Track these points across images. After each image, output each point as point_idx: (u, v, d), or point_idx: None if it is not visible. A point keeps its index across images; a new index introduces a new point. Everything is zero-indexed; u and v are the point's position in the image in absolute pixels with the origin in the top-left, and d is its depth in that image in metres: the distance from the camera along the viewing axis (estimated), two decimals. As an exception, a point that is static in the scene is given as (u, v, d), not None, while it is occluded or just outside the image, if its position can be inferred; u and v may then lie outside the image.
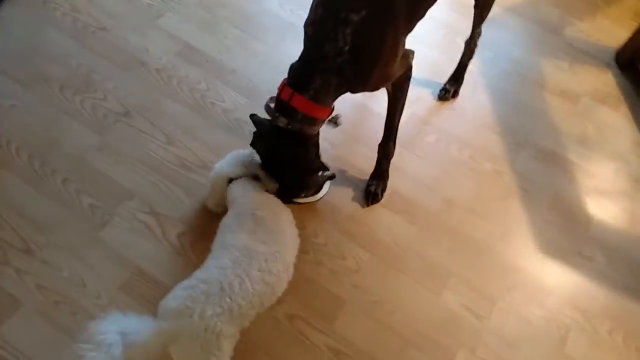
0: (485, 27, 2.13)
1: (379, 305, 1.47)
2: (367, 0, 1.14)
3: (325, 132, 1.76)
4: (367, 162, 1.67)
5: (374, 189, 1.62)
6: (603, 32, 2.22)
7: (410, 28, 1.30)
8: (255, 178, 1.36)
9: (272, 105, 1.30)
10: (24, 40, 1.81)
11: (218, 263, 1.11)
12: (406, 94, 1.46)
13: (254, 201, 1.27)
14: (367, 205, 1.63)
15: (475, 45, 1.81)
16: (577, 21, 2.25)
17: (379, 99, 1.75)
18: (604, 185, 1.79)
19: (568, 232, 1.67)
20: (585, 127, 1.92)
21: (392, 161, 1.71)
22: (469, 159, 1.78)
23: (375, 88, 1.36)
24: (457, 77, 1.89)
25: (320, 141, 1.69)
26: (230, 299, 1.05)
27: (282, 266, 1.19)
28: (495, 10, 2.16)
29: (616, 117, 1.97)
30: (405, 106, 1.50)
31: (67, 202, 1.51)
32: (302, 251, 1.51)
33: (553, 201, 1.73)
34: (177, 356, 1.07)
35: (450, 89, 1.89)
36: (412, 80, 1.41)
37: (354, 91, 1.33)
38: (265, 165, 1.37)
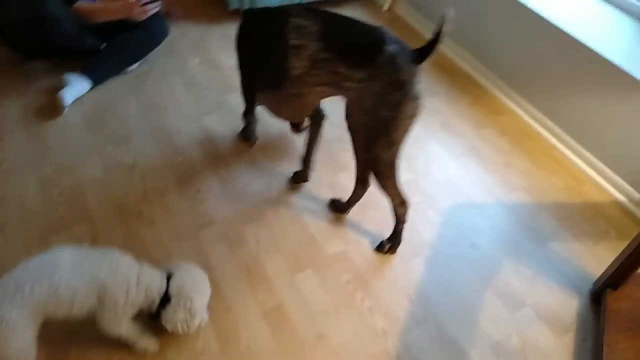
0: (464, 208, 2.27)
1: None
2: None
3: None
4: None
5: None
6: (595, 262, 2.11)
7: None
8: None
9: None
10: (115, 99, 2.53)
11: (21, 267, 1.43)
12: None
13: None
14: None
15: (395, 210, 1.93)
16: (572, 241, 2.19)
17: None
18: (490, 396, 1.67)
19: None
20: (511, 337, 1.84)
21: (293, 278, 1.89)
22: (366, 309, 1.85)
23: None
24: (392, 237, 2.02)
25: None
26: (21, 297, 1.36)
27: (68, 295, 1.42)
28: (487, 198, 2.29)
29: (554, 344, 1.83)
30: (343, 243, 1.97)
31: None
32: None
33: (423, 384, 1.68)
34: None
35: (385, 245, 2.02)
36: (365, 222, 1.87)
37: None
38: None
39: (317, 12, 1.73)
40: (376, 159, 1.75)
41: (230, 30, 3.07)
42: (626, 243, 2.18)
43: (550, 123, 2.64)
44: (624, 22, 2.52)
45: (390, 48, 1.57)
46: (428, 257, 2.05)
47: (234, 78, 2.75)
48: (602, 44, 2.34)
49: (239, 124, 2.48)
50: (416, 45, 1.60)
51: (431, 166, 2.44)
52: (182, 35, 3.02)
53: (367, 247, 2.05)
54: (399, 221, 1.97)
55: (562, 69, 2.50)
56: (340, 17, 1.71)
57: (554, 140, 2.63)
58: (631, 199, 2.34)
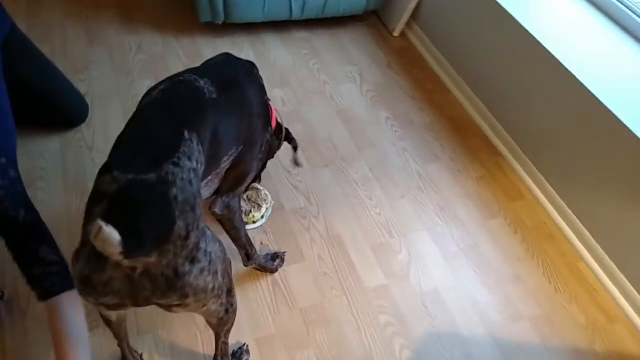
0: (441, 342, 1.81)
1: None
2: None
3: None
4: None
5: None
6: None
7: None
8: None
9: None
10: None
11: None
12: None
13: None
14: None
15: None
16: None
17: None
18: None
19: None
20: None
21: None
22: None
23: None
24: None
25: None
26: None
27: None
28: (476, 327, 1.74)
29: None
30: None
31: None
32: None
33: None
34: None
35: None
36: None
37: None
38: None
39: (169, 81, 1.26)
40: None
41: (197, 46, 2.53)
42: None
43: (579, 224, 2.00)
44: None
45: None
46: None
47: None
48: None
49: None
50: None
51: (413, 268, 1.85)
52: (140, 47, 2.47)
53: None
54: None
55: (605, 149, 1.84)
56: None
57: (582, 249, 2.00)
58: (677, 356, 1.71)
